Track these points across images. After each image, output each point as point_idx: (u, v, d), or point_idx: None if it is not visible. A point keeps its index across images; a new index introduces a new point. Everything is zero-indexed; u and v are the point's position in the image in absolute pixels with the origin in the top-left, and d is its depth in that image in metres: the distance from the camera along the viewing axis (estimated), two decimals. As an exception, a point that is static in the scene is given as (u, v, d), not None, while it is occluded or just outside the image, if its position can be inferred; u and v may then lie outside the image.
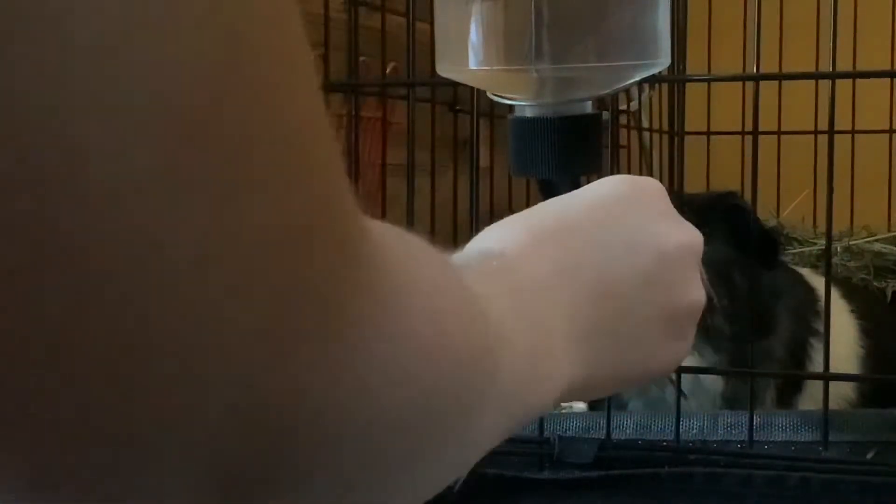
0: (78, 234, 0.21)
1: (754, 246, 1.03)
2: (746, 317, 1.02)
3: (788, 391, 1.11)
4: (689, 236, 0.49)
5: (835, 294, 1.18)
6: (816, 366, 1.10)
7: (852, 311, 1.18)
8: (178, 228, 0.22)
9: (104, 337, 0.22)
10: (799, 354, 1.12)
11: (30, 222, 0.21)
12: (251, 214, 0.23)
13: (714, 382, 1.07)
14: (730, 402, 1.08)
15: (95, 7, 0.20)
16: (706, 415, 0.97)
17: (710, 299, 1.05)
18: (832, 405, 1.05)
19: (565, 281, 0.43)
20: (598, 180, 0.50)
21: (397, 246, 0.30)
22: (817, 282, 1.22)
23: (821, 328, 1.13)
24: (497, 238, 0.44)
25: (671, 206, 0.51)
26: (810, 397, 1.10)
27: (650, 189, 0.50)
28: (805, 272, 1.28)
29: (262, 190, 0.23)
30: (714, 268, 1.04)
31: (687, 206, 1.04)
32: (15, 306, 0.21)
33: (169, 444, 0.24)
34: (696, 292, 0.49)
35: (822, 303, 1.16)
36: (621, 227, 0.47)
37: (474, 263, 0.40)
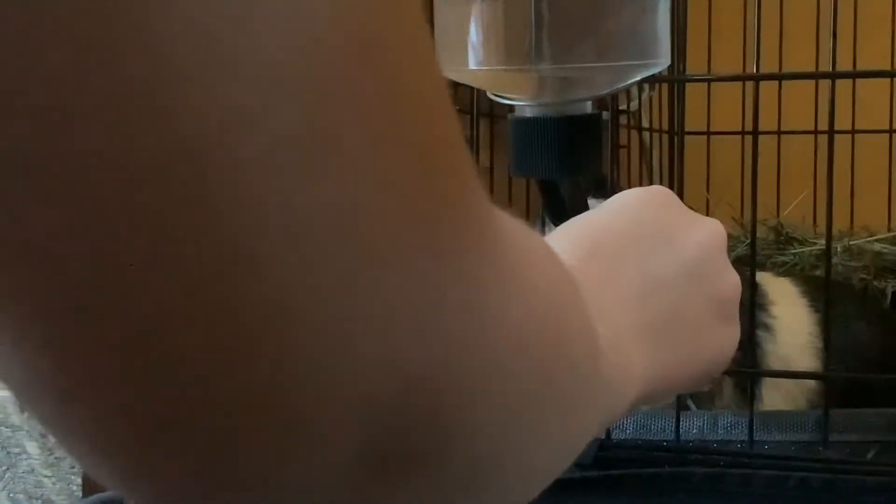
0: (229, 200, 0.21)
1: None
2: (749, 314, 1.02)
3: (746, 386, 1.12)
4: (713, 226, 0.52)
5: (792, 289, 1.19)
6: (770, 356, 1.11)
7: (811, 305, 1.19)
8: (320, 190, 0.22)
9: (254, 304, 0.22)
10: (750, 349, 1.13)
11: (187, 191, 0.21)
12: (389, 178, 0.23)
13: None
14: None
15: None
16: (706, 415, 0.97)
17: None
18: (792, 401, 1.06)
19: (613, 283, 0.44)
20: (611, 197, 0.51)
21: (513, 228, 0.31)
22: (764, 278, 1.23)
23: (768, 321, 1.14)
24: None
25: (683, 204, 0.52)
26: (773, 385, 1.10)
27: (663, 193, 0.52)
28: (759, 274, 1.29)
29: (397, 153, 0.24)
30: None
31: None
32: (172, 271, 0.21)
33: (323, 419, 0.24)
34: (732, 276, 0.51)
35: (770, 297, 1.17)
36: (652, 226, 0.49)
37: None
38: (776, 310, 1.16)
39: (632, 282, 0.45)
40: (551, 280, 0.33)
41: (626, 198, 0.51)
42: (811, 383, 1.10)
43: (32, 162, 0.20)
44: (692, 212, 0.52)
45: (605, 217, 0.49)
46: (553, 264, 0.34)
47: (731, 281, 0.51)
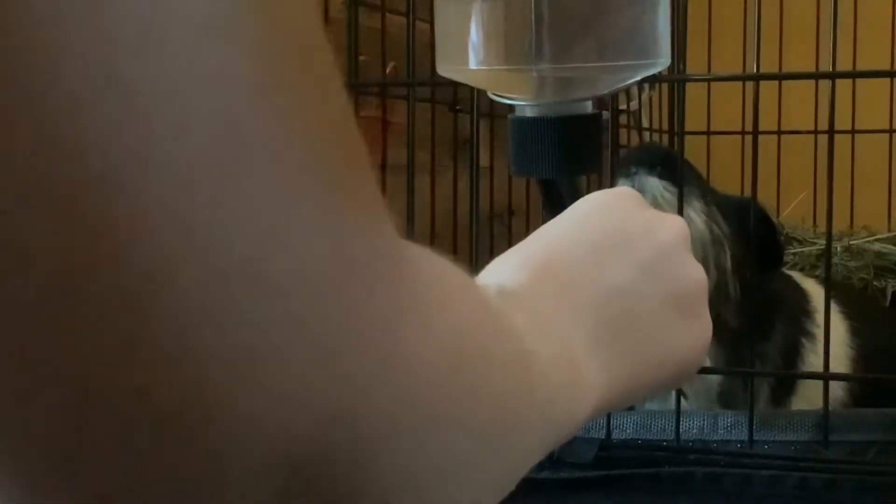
0: (134, 231, 0.21)
1: (771, 252, 1.05)
2: (751, 315, 1.02)
3: (782, 392, 1.12)
4: (672, 222, 0.51)
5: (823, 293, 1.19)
6: (808, 366, 1.11)
7: (842, 311, 1.18)
8: (227, 227, 0.22)
9: (162, 337, 0.22)
10: (791, 355, 1.12)
11: (95, 221, 0.21)
12: (295, 212, 0.23)
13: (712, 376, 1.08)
14: (725, 397, 1.09)
15: (132, 10, 0.21)
16: (706, 415, 0.97)
17: (725, 289, 1.05)
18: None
19: (566, 297, 0.44)
20: (576, 202, 0.51)
21: (428, 263, 0.31)
22: (808, 284, 1.23)
23: (812, 329, 1.14)
24: (495, 276, 0.44)
25: (647, 204, 0.52)
26: (804, 399, 1.10)
27: (624, 194, 0.51)
28: (795, 275, 1.29)
29: (303, 183, 0.24)
30: (735, 262, 1.06)
31: (721, 205, 1.08)
32: (76, 302, 0.21)
33: (240, 456, 0.24)
34: (695, 270, 0.50)
35: (814, 304, 1.17)
36: (607, 229, 0.48)
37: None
38: (819, 318, 1.15)
39: (585, 293, 0.45)
40: (469, 314, 0.33)
41: (585, 203, 0.50)
42: (840, 394, 1.10)
43: None
44: (654, 211, 0.51)
45: (559, 228, 0.49)
46: (472, 297, 0.34)
47: (693, 276, 0.50)
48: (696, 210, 1.07)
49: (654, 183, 1.06)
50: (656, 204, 1.01)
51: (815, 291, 1.21)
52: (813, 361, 1.12)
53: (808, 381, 1.08)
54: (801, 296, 1.20)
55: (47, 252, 0.21)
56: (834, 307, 1.17)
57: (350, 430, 0.25)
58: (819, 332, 1.13)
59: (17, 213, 0.20)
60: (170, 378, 0.22)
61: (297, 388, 0.24)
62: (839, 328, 1.16)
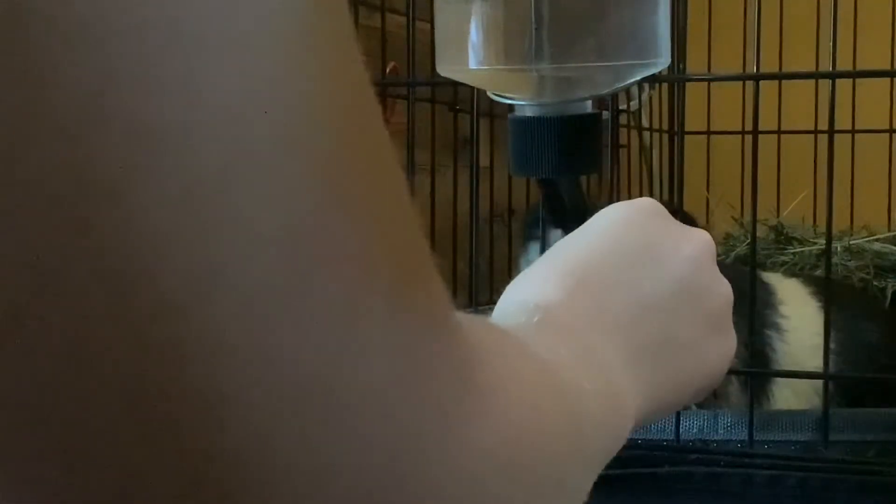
0: (209, 356, 0.22)
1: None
2: (751, 314, 1.02)
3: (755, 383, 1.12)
4: (700, 238, 0.51)
5: (803, 290, 1.20)
6: (780, 355, 1.11)
7: (820, 305, 1.18)
8: (297, 339, 0.23)
9: (236, 454, 0.22)
10: (759, 347, 1.12)
11: (168, 348, 0.21)
12: (365, 321, 0.24)
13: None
14: None
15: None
16: (706, 414, 0.97)
17: None
18: (806, 399, 1.06)
19: (603, 315, 0.44)
20: (597, 213, 0.51)
21: (487, 337, 0.31)
22: (772, 279, 1.22)
23: (777, 320, 1.14)
24: (529, 292, 0.44)
25: (670, 216, 0.52)
26: (784, 383, 1.10)
27: (648, 206, 0.51)
28: (765, 274, 1.28)
29: (372, 295, 0.24)
30: None
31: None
32: (151, 425, 0.22)
33: None
34: (723, 287, 0.51)
35: (778, 296, 1.16)
36: (638, 245, 0.48)
37: (523, 321, 0.41)
38: (786, 309, 1.16)
39: (621, 310, 0.45)
40: (530, 389, 0.33)
41: (610, 217, 0.50)
42: (812, 387, 1.10)
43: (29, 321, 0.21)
44: (679, 224, 0.51)
45: (589, 242, 0.48)
46: (527, 363, 0.34)
47: (723, 293, 0.51)
48: None
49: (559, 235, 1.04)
50: None
51: (781, 284, 1.20)
52: (786, 351, 1.12)
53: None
54: (763, 288, 1.19)
55: (122, 381, 0.21)
56: (812, 301, 1.18)
57: None
58: (785, 323, 1.13)
59: (93, 338, 0.21)
60: (244, 491, 0.22)
61: (364, 491, 0.24)
62: (817, 322, 1.15)
